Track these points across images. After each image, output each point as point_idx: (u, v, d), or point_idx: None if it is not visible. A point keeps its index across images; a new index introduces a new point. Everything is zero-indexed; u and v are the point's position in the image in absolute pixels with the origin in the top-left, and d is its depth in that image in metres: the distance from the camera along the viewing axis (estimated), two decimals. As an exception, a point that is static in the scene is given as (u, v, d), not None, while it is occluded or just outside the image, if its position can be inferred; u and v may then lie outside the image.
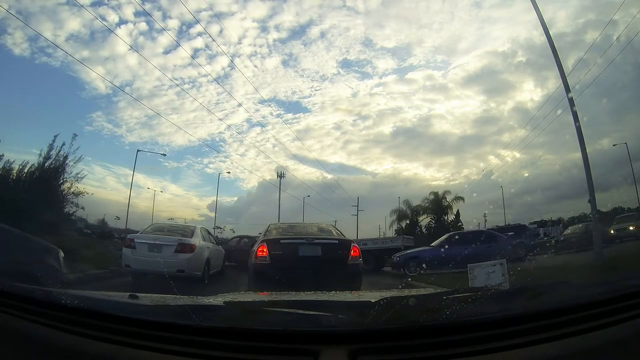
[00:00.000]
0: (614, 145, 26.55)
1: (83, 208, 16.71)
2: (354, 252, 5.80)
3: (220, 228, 35.48)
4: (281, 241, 5.87)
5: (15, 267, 2.71)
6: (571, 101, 10.70)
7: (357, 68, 57.87)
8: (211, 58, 44.96)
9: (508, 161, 34.83)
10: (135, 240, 7.88)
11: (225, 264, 10.68)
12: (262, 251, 5.62)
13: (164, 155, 42.29)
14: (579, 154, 10.61)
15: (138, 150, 29.79)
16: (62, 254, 3.79)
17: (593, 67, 13.98)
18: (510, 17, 48.42)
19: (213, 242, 9.97)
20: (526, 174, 37.22)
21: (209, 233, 10.65)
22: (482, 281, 3.99)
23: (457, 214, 36.91)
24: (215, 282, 8.63)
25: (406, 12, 51.40)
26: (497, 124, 49.71)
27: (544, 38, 11.55)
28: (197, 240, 8.23)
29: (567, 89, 11.00)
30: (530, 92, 44.70)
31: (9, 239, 3.10)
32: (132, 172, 29.47)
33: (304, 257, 5.63)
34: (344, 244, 5.97)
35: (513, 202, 39.69)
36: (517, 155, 33.08)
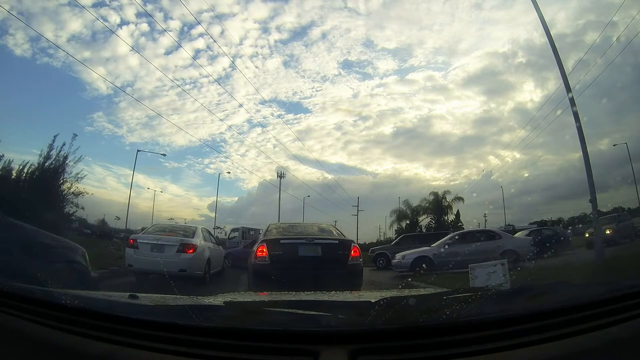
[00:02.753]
0: (614, 146, 26.43)
1: (83, 208, 16.67)
2: (354, 252, 5.78)
3: (221, 228, 35.45)
4: (281, 241, 5.84)
5: (48, 267, 2.75)
6: (572, 101, 10.66)
7: (357, 69, 57.75)
8: (212, 59, 44.65)
9: (508, 161, 34.71)
10: (138, 240, 7.96)
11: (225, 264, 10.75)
12: (262, 251, 5.60)
13: (164, 155, 42.19)
14: (578, 154, 10.62)
15: (138, 151, 29.75)
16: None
17: (593, 68, 13.93)
18: (510, 18, 48.35)
19: (214, 243, 10.05)
20: (526, 175, 37.16)
21: (210, 233, 10.75)
22: (483, 281, 3.98)
23: (457, 214, 36.95)
24: (215, 282, 8.67)
25: (407, 14, 51.51)
26: (497, 125, 49.63)
27: (544, 39, 11.57)
28: (198, 241, 8.32)
29: (568, 88, 10.98)
30: (530, 93, 44.57)
31: (39, 239, 3.13)
32: (132, 173, 29.45)
33: (304, 257, 5.60)
34: (345, 244, 5.93)
35: (513, 203, 39.63)
36: (517, 155, 32.95)
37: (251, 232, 24.38)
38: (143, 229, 9.81)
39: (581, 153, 10.52)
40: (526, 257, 11.33)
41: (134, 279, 7.71)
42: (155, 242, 7.76)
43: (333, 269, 5.52)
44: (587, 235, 15.52)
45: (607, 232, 14.10)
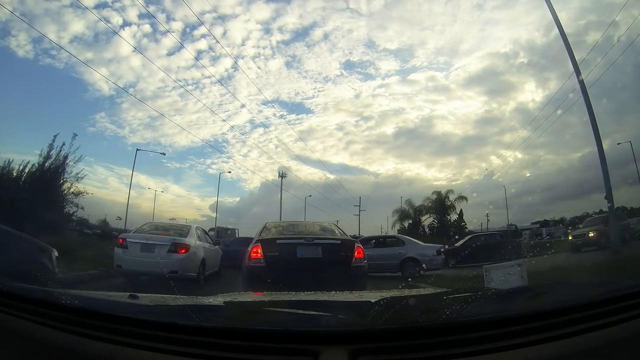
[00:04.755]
0: (618, 144, 26.22)
1: (83, 208, 16.71)
2: (358, 253, 5.43)
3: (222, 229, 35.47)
4: (277, 241, 5.46)
5: (7, 265, 2.74)
6: (582, 84, 10.41)
7: (359, 69, 57.78)
8: (215, 60, 44.40)
9: (509, 162, 34.78)
10: (127, 239, 7.60)
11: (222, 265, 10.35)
12: (257, 252, 5.22)
13: (164, 154, 42.28)
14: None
15: (138, 149, 29.63)
16: (55, 253, 3.77)
17: (595, 68, 13.87)
18: (512, 18, 48.30)
19: (209, 242, 9.71)
20: (527, 175, 37.17)
21: (205, 233, 10.38)
22: (499, 283, 3.77)
23: (461, 214, 36.89)
24: (211, 283, 8.41)
25: (409, 14, 51.43)
26: (498, 125, 49.59)
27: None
28: (191, 240, 7.96)
29: (578, 72, 10.71)
30: (532, 93, 44.63)
31: (1, 237, 3.12)
32: (131, 172, 29.36)
33: (303, 258, 5.25)
34: (347, 245, 5.59)
35: (514, 203, 39.70)
36: (519, 155, 33.00)
37: (228, 232, 24.81)
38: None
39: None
40: (432, 265, 11.42)
41: (124, 280, 7.36)
42: (145, 242, 7.38)
43: (335, 271, 5.16)
44: (570, 238, 14.90)
45: (591, 234, 13.19)
